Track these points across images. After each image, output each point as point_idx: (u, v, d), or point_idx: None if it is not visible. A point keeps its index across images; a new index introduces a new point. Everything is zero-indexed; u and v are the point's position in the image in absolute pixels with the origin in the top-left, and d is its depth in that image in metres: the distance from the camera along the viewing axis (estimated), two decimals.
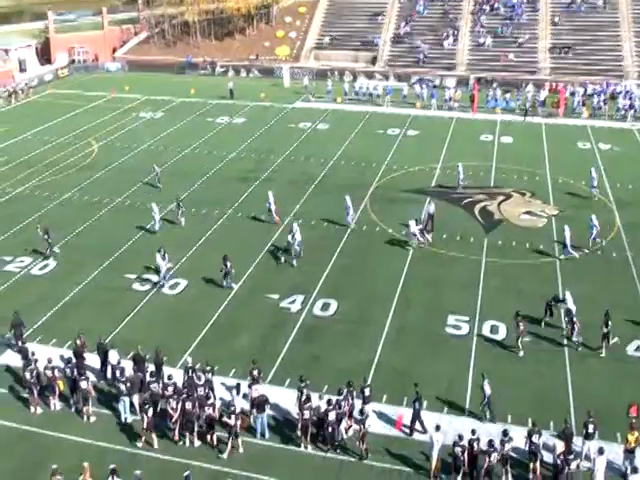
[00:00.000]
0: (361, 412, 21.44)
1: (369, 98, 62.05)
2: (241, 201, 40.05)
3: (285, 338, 27.00)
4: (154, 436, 21.65)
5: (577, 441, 21.05)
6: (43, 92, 67.20)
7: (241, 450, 21.47)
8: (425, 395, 23.03)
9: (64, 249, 34.32)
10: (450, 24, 73.65)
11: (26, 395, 23.50)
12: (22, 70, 72.38)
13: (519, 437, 21.21)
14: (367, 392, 22.52)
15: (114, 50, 79.15)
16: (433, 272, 31.93)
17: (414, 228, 33.67)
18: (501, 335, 27.14)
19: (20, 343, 25.84)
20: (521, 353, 25.82)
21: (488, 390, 22.49)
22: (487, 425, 22.33)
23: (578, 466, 20.17)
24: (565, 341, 26.70)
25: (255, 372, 23.32)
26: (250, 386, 22.82)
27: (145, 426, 21.39)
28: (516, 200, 40.08)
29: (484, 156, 43.36)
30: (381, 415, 22.84)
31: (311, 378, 23.25)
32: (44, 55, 77.90)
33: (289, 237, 32.72)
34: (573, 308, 26.65)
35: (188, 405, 21.64)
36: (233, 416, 21.17)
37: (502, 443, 20.33)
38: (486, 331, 27.39)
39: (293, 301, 29.53)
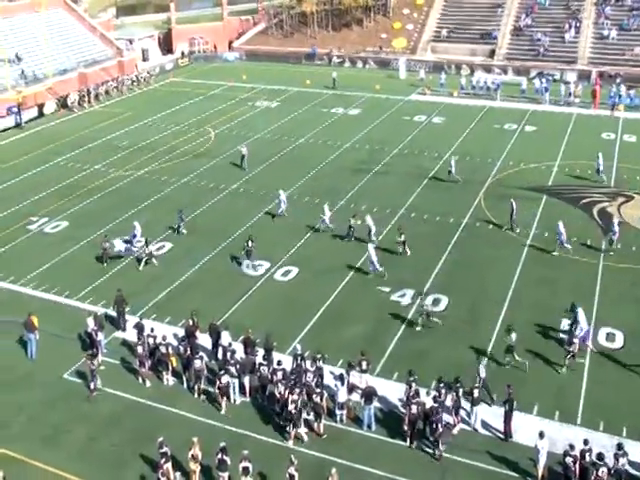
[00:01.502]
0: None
1: (486, 92, 60.66)
2: (354, 192, 40.09)
3: (394, 331, 26.83)
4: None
5: None
6: (164, 80, 69.57)
7: (325, 436, 21.64)
8: (534, 400, 22.33)
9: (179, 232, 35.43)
10: (572, 16, 70.89)
11: (137, 367, 24.49)
12: (145, 59, 75.35)
13: (636, 451, 20.21)
14: (476, 393, 22.01)
15: (230, 42, 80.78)
16: (547, 273, 30.87)
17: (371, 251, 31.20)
18: (618, 343, 25.93)
19: (122, 320, 26.93)
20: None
21: (483, 373, 22.43)
22: (600, 436, 21.40)
23: None
24: None
25: (364, 363, 23.28)
26: (348, 372, 22.90)
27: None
28: (638, 203, 38.19)
29: (605, 155, 41.52)
30: (487, 416, 22.31)
31: (418, 373, 22.98)
32: (165, 45, 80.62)
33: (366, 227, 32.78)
34: (583, 322, 25.16)
35: (296, 391, 21.80)
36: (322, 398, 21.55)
37: (616, 457, 19.41)
38: (602, 339, 26.22)
39: (403, 295, 29.33)
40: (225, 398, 22.89)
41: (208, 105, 59.37)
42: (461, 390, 22.00)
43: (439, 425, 20.71)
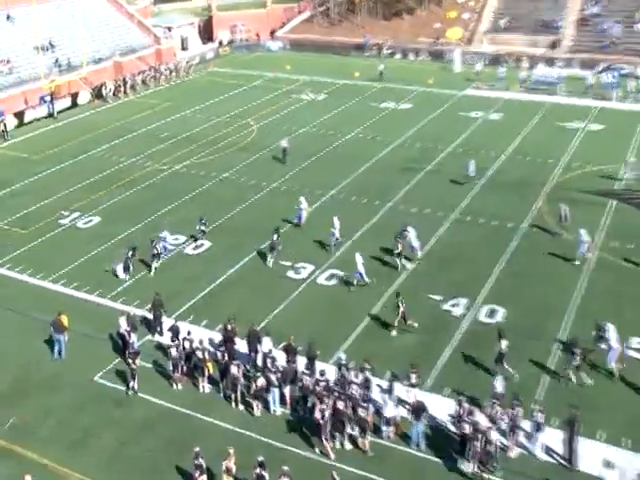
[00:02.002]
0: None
1: (548, 87, 59.76)
2: (404, 193, 39.83)
3: (447, 343, 26.50)
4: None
5: None
6: (204, 70, 70.12)
7: (370, 453, 21.39)
8: (602, 424, 21.76)
9: (219, 230, 35.61)
10: None
11: (172, 372, 24.61)
12: (184, 48, 75.88)
13: None
14: (540, 418, 21.35)
15: (273, 31, 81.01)
16: (614, 286, 30.16)
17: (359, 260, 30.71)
18: None
19: (158, 323, 27.08)
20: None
21: (500, 388, 22.15)
22: None
23: None
24: None
25: (413, 376, 23.01)
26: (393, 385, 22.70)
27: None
28: None
29: None
30: (549, 440, 21.83)
31: (472, 390, 22.64)
32: (206, 33, 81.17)
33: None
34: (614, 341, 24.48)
35: (340, 404, 21.63)
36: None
37: None
38: None
39: (456, 304, 28.99)
40: (259, 403, 22.85)
41: (250, 97, 59.68)
42: (519, 410, 21.52)
43: (486, 445, 20.36)
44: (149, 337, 27.22)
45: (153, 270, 31.64)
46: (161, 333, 27.09)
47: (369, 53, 74.33)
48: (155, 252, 31.68)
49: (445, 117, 53.63)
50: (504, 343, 24.30)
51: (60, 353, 26.12)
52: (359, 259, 30.18)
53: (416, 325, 27.13)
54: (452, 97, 58.68)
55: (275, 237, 32.27)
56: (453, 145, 47.24)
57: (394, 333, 26.96)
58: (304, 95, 60.09)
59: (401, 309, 26.86)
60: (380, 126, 51.51)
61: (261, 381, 22.81)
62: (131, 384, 24.12)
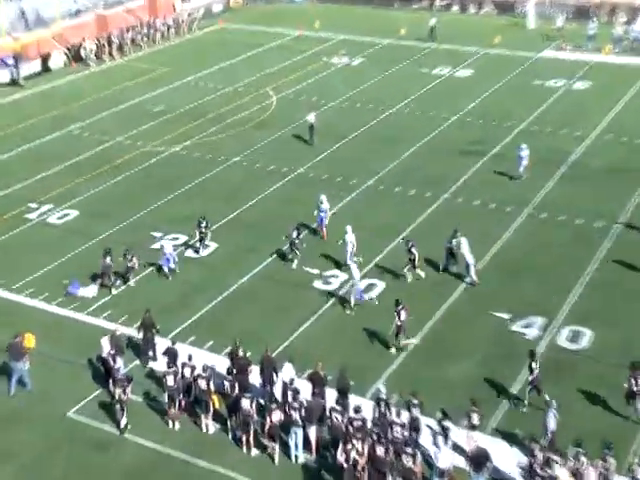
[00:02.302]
0: None
1: None
2: (463, 182, 39.80)
3: (517, 374, 26.32)
4: None
5: None
6: (211, 26, 70.73)
7: None
8: None
9: (227, 228, 35.81)
10: None
11: (167, 406, 24.62)
12: None
13: None
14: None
15: None
16: None
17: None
18: None
19: (150, 347, 27.15)
20: None
21: (552, 425, 22.18)
22: None
23: None
24: None
25: (474, 416, 22.89)
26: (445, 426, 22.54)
27: None
28: None
29: None
30: None
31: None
32: None
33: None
34: None
35: (379, 450, 21.58)
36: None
37: None
38: None
39: (529, 324, 28.84)
40: (275, 446, 22.89)
41: (269, 60, 60.05)
42: (612, 462, 21.29)
43: None
44: (137, 363, 27.33)
45: (126, 285, 31.91)
46: (155, 358, 27.20)
47: (418, 5, 74.33)
48: (130, 265, 31.86)
49: (515, 87, 53.48)
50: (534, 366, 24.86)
51: (24, 384, 26.09)
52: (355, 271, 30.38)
53: (415, 341, 27.62)
54: (525, 61, 58.51)
55: (295, 234, 32.41)
56: (525, 122, 47.08)
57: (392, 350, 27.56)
58: (336, 59, 60.21)
59: (397, 320, 27.28)
60: (432, 98, 51.48)
61: (277, 415, 22.77)
62: (122, 421, 24.12)
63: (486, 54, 60.50)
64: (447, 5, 73.69)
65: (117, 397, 24.13)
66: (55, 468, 23.10)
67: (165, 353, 26.02)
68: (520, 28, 66.87)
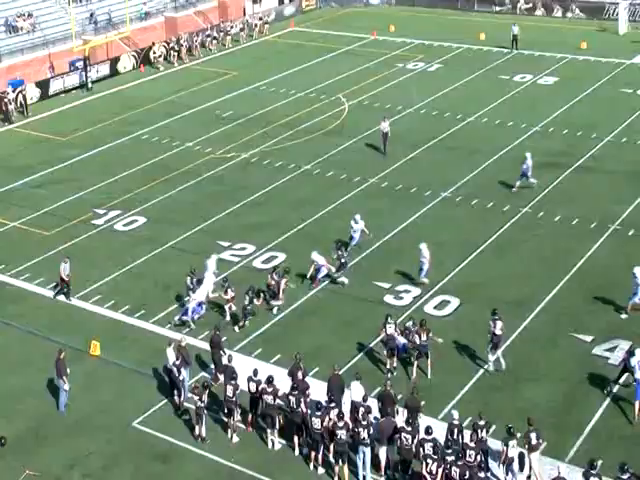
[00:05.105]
0: None
1: None
2: (544, 195, 39.61)
3: (598, 401, 26.17)
4: None
5: None
6: (282, 30, 71.35)
7: None
8: None
9: (296, 239, 36.21)
10: None
11: (225, 417, 25.04)
12: (255, 1, 76.98)
13: None
14: None
15: None
16: None
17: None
18: None
19: (217, 370, 27.29)
20: None
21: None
22: None
23: None
24: None
25: (532, 436, 22.61)
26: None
27: None
28: None
29: None
30: None
31: (635, 468, 22.14)
32: None
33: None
34: None
35: (454, 473, 21.67)
36: None
37: None
38: None
39: (614, 348, 28.56)
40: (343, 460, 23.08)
41: (341, 65, 60.37)
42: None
43: None
44: (204, 374, 27.78)
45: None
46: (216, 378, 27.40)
47: (500, 8, 74.18)
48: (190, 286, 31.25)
49: (604, 94, 53.10)
50: (499, 325, 26.19)
51: (60, 405, 26.41)
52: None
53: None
54: (615, 68, 58.08)
55: (340, 252, 32.50)
56: (614, 133, 46.68)
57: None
58: (412, 64, 60.34)
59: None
60: (513, 107, 51.35)
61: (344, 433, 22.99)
62: (199, 429, 24.62)
63: (572, 60, 60.11)
64: (531, 8, 73.32)
65: (195, 405, 24.43)
66: (117, 478, 23.60)
67: (222, 372, 26.27)
68: (610, 33, 66.43)
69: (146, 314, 31.17)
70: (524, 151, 41.93)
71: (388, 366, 27.60)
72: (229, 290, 30.41)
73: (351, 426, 23.18)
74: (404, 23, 70.46)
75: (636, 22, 67.24)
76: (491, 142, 45.88)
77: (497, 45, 63.67)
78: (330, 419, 23.29)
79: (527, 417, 23.35)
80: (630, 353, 26.07)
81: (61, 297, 32.31)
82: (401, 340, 27.41)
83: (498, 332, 27.09)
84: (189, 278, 30.97)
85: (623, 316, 30.01)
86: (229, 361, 26.36)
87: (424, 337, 26.99)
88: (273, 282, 31.14)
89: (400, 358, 27.77)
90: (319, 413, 23.61)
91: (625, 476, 20.86)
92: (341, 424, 23.07)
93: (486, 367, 27.58)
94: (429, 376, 27.20)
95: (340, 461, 23.20)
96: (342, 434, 22.92)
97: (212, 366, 27.63)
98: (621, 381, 26.23)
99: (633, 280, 29.95)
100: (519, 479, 21.97)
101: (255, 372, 25.40)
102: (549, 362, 28.02)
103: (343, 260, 32.55)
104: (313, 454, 23.75)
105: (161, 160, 45.01)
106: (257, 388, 24.96)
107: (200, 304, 30.43)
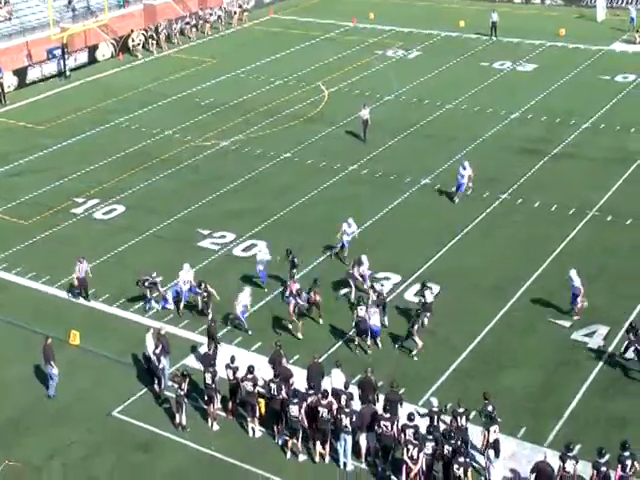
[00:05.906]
0: None
1: None
2: (522, 182, 39.74)
3: (576, 385, 26.30)
4: None
5: None
6: (261, 18, 71.14)
7: None
8: None
9: (276, 226, 36.20)
10: None
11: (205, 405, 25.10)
12: None
13: None
14: None
15: None
16: None
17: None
18: None
19: (213, 359, 27.04)
20: None
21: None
22: None
23: None
24: None
25: (489, 407, 22.82)
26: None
27: None
28: None
29: None
30: None
31: (614, 451, 22.20)
32: None
33: None
34: None
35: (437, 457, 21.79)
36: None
37: None
38: None
39: (592, 333, 28.73)
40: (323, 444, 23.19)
41: (321, 53, 60.37)
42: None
43: None
44: (186, 361, 27.71)
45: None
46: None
47: None
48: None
49: (581, 82, 53.23)
50: (428, 294, 27.69)
51: (51, 390, 26.46)
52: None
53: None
54: (592, 55, 58.22)
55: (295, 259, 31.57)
56: (592, 119, 46.85)
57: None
58: (392, 52, 60.34)
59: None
60: (492, 94, 51.45)
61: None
62: (178, 419, 24.63)
63: (551, 47, 60.21)
64: None
65: (175, 394, 24.49)
66: (99, 467, 23.57)
67: (201, 359, 26.43)
68: (588, 20, 66.60)
69: (125, 303, 31.09)
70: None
71: (359, 346, 27.92)
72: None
73: (335, 406, 23.24)
74: (384, 10, 70.32)
75: (614, 9, 67.28)
76: (470, 128, 45.95)
77: (476, 32, 63.73)
78: (308, 405, 23.40)
79: (483, 392, 23.45)
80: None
81: (80, 299, 31.63)
82: (374, 324, 27.63)
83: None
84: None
85: (576, 317, 29.48)
86: (209, 349, 26.39)
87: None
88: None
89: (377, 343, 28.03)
90: (296, 400, 23.66)
91: (603, 460, 20.99)
92: (324, 402, 23.19)
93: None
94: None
95: (321, 441, 23.32)
96: (324, 412, 23.05)
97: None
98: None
99: (570, 283, 29.50)
100: (495, 465, 22.00)
101: (232, 359, 25.33)
102: (528, 348, 28.13)
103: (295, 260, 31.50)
104: (290, 442, 23.78)
105: (140, 148, 44.87)
106: (234, 375, 24.95)
107: (191, 288, 30.39)
